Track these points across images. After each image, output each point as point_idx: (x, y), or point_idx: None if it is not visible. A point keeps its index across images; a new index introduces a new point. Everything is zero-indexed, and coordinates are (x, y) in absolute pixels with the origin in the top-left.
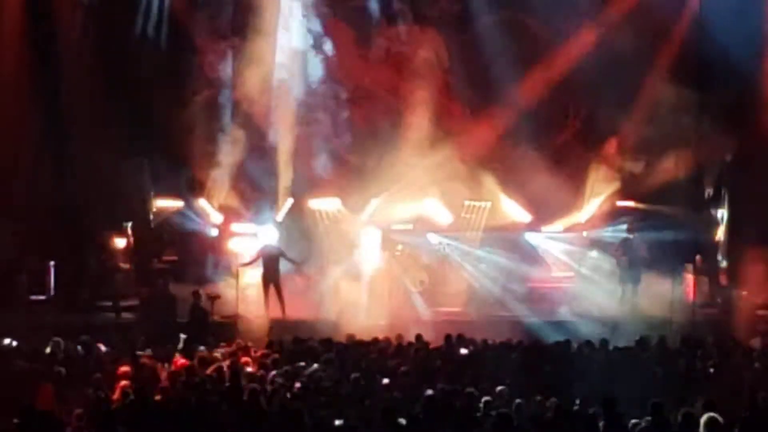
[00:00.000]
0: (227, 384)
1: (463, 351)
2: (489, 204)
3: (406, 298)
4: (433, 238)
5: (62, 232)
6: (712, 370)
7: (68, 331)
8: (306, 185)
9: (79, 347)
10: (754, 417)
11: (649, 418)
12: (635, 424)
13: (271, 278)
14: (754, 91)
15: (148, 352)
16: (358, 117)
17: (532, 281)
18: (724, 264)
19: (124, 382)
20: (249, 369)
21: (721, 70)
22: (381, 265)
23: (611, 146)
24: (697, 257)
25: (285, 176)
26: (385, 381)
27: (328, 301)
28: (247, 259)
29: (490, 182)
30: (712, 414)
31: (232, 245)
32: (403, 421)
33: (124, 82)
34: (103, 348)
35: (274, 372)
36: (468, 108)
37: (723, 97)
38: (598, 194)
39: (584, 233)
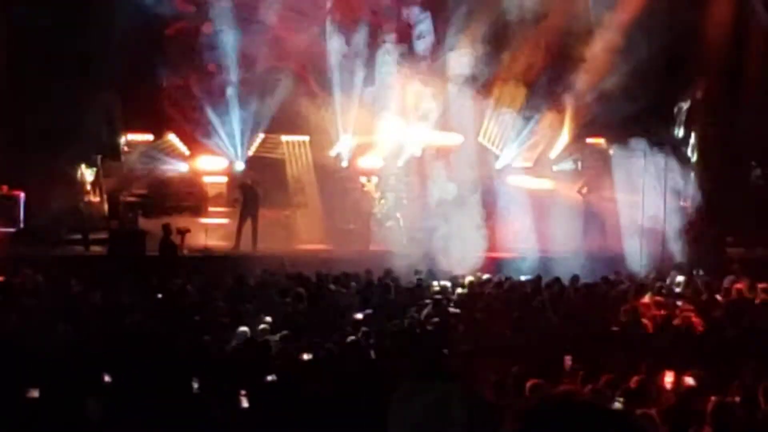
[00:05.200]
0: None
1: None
2: (462, 138)
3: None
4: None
5: (32, 164)
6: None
7: (38, 264)
8: (277, 121)
9: None
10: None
11: None
12: None
13: (250, 212)
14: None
15: None
16: (329, 51)
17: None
18: (694, 201)
19: None
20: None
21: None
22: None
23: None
24: (668, 194)
25: (257, 111)
26: (359, 316)
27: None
28: (234, 196)
29: (463, 116)
30: None
31: (202, 178)
32: (372, 355)
33: (93, 15)
34: None
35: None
36: (439, 42)
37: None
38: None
39: (553, 167)
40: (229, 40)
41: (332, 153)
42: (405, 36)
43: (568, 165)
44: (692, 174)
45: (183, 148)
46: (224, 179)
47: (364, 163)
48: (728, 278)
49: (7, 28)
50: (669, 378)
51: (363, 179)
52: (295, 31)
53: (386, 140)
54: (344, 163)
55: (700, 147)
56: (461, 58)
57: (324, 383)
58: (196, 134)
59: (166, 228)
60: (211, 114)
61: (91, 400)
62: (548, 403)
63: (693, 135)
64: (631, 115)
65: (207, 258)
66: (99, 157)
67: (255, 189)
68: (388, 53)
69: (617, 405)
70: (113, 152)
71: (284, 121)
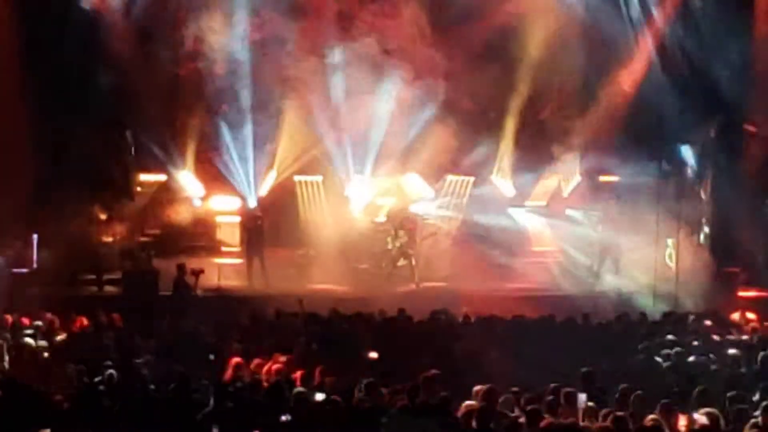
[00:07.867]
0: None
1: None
2: (472, 179)
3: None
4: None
5: (45, 205)
6: (695, 343)
7: (51, 305)
8: (290, 160)
9: None
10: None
11: None
12: None
13: (255, 250)
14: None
15: None
16: (339, 89)
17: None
18: (707, 239)
19: None
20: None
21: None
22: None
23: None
24: (681, 231)
25: (269, 151)
26: (374, 355)
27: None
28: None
29: (475, 156)
30: None
31: (216, 218)
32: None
33: (105, 54)
34: None
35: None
36: (451, 80)
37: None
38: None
39: (567, 211)
40: (241, 80)
41: (345, 193)
42: (418, 74)
43: (580, 214)
44: (705, 211)
45: (196, 187)
46: (237, 219)
47: (376, 202)
48: (735, 315)
49: (19, 71)
50: (683, 422)
51: (376, 219)
52: (308, 71)
53: (399, 180)
54: (357, 203)
55: (713, 183)
56: (472, 97)
57: (338, 423)
58: (208, 174)
59: (181, 268)
60: (223, 154)
61: None
62: None
63: (706, 171)
64: (644, 151)
65: (221, 298)
66: (112, 197)
67: (258, 224)
68: (401, 91)
69: None
70: (126, 192)
71: (297, 161)
